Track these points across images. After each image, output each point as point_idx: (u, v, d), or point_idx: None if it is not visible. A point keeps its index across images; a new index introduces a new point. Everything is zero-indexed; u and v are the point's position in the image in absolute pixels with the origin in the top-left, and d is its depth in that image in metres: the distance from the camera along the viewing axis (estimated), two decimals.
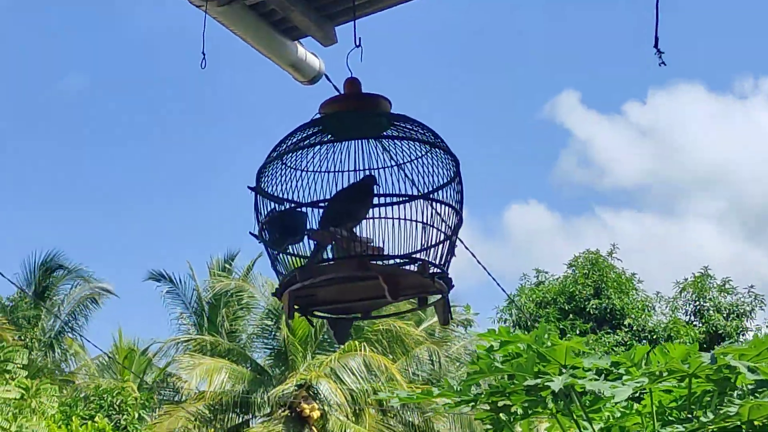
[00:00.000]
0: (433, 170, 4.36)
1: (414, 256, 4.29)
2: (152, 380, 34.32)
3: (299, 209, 4.29)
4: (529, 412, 5.95)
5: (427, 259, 4.26)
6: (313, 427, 29.67)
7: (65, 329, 34.33)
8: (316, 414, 29.30)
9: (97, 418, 22.72)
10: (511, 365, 5.52)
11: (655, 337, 29.64)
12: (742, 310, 31.87)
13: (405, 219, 4.29)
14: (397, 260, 4.30)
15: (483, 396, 5.81)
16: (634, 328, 30.38)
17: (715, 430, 5.48)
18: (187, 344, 31.62)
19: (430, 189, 4.34)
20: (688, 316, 32.10)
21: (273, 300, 31.08)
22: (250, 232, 4.19)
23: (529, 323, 30.94)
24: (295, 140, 4.29)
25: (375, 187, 4.28)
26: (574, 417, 5.82)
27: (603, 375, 5.73)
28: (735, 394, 5.78)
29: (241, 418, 30.82)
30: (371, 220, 4.27)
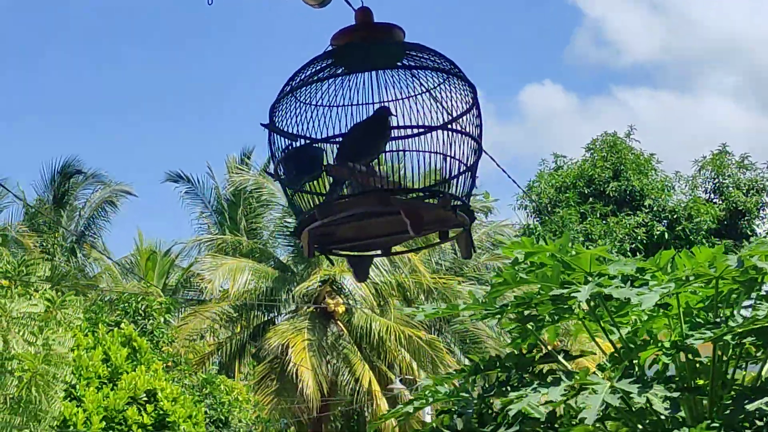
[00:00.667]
0: (450, 99, 4.22)
1: (435, 188, 4.19)
2: (175, 282, 34.50)
3: (315, 145, 4.16)
4: (556, 318, 5.92)
5: (448, 191, 4.16)
6: (339, 322, 29.89)
7: (86, 234, 34.40)
8: (341, 309, 29.48)
9: (122, 325, 22.75)
10: (536, 275, 5.48)
11: (675, 216, 29.58)
12: (761, 186, 31.70)
13: (423, 151, 4.20)
14: (418, 194, 4.19)
15: (509, 308, 5.75)
16: (654, 208, 30.27)
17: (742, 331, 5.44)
18: (209, 245, 31.69)
19: (448, 119, 4.23)
20: (707, 194, 31.99)
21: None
22: (266, 171, 4.14)
23: (549, 208, 30.87)
24: (307, 74, 4.15)
25: (391, 119, 4.16)
26: (601, 324, 5.80)
27: (629, 281, 5.67)
28: (761, 294, 5.74)
29: (266, 316, 31.08)
30: (389, 154, 4.21)
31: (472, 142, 4.21)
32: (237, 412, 24.41)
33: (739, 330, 5.46)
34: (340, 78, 4.17)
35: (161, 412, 19.97)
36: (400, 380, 28.52)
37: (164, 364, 22.44)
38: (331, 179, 4.17)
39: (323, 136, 4.20)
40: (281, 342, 28.85)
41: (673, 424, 5.45)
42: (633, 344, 5.79)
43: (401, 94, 4.23)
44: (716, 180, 31.87)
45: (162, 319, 25.34)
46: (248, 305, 30.21)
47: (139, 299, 26.60)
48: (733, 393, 5.62)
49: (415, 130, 4.28)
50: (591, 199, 30.46)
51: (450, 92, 4.23)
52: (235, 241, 31.38)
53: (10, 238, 30.38)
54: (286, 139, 4.19)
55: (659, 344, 5.85)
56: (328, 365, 29.46)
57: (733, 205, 31.26)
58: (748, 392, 5.42)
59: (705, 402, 5.76)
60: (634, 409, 5.52)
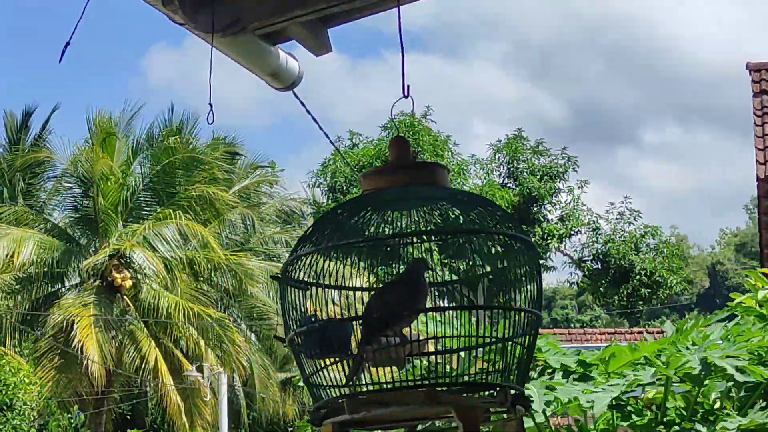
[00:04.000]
0: (507, 272, 3.54)
1: (492, 384, 3.46)
2: None
3: (345, 321, 3.44)
4: None
5: (505, 382, 3.42)
6: (126, 297, 29.15)
7: None
8: (128, 283, 28.71)
9: None
10: None
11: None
12: (555, 172, 32.17)
13: (474, 336, 3.55)
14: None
15: None
16: None
17: None
18: None
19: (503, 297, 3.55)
20: (502, 179, 32.26)
21: (80, 164, 30.02)
22: (275, 336, 3.35)
23: (344, 187, 30.64)
24: (338, 222, 3.49)
25: (426, 281, 3.45)
26: None
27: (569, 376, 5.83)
28: None
29: (50, 289, 30.00)
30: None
31: (531, 315, 3.49)
32: (22, 394, 23.62)
33: None
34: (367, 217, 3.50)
35: None
36: (197, 368, 28.12)
37: None
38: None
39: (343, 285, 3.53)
40: (66, 316, 27.99)
41: None
42: None
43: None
44: (511, 165, 32.18)
45: None
46: (32, 277, 29.15)
47: None
48: None
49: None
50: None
51: (507, 263, 3.54)
52: (20, 210, 30.12)
53: None
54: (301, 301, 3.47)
55: None
56: (113, 341, 28.70)
57: (527, 190, 31.61)
58: None
59: None
60: None
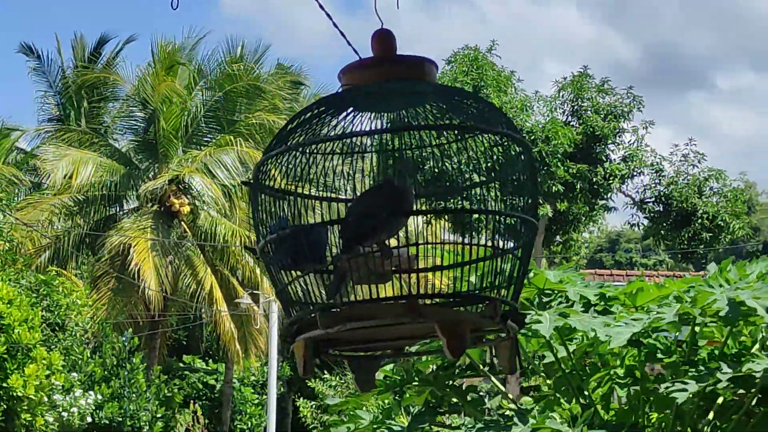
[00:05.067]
0: (500, 169, 3.26)
1: (482, 293, 3.21)
2: (14, 164, 33.31)
3: (317, 226, 3.17)
4: None
5: (498, 294, 3.17)
6: (183, 222, 29.27)
7: None
8: (186, 209, 28.85)
9: None
10: None
11: (533, 138, 29.36)
12: (619, 111, 31.62)
13: (461, 243, 3.24)
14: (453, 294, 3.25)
15: None
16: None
17: None
18: (53, 135, 30.59)
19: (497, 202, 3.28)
20: (566, 116, 31.80)
21: (142, 89, 30.19)
22: (245, 246, 3.10)
23: None
24: (308, 122, 3.22)
25: (411, 191, 3.19)
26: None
27: (591, 308, 5.75)
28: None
29: (108, 212, 30.24)
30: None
31: (527, 224, 3.23)
32: (74, 315, 24.05)
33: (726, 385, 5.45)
34: (350, 117, 3.21)
35: None
36: (251, 296, 28.24)
37: None
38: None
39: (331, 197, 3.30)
40: (123, 240, 28.19)
41: None
42: (581, 368, 5.70)
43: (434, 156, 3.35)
44: (575, 103, 31.70)
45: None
46: (90, 199, 29.32)
47: None
48: None
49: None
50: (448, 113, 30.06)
51: (500, 160, 3.26)
52: (80, 131, 30.32)
53: None
54: (278, 208, 3.21)
55: (610, 370, 5.79)
56: (170, 267, 28.86)
57: (591, 129, 31.13)
58: None
59: None
60: None
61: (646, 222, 33.80)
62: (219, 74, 31.18)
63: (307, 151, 3.26)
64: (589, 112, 31.49)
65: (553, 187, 28.93)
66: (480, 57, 30.54)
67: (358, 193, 3.29)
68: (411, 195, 3.16)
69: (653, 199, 32.89)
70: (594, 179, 30.93)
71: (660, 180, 32.57)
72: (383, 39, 3.29)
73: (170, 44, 30.97)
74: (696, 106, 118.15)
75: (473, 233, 3.23)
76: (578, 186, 30.39)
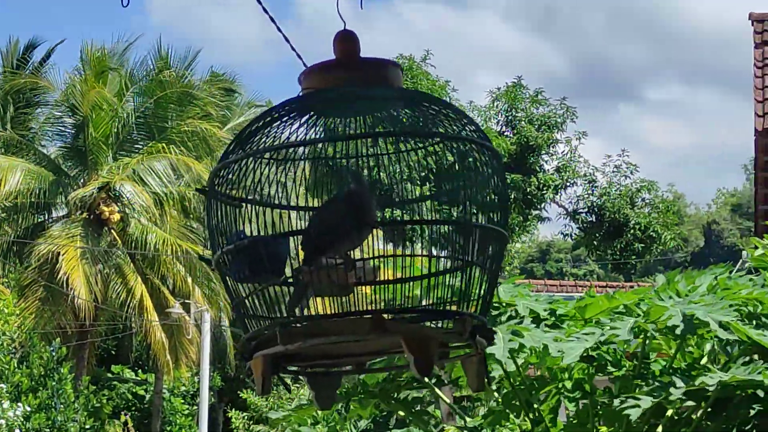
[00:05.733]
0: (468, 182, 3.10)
1: (450, 310, 3.09)
2: None
3: (277, 236, 3.05)
4: None
5: (465, 310, 3.05)
6: (113, 231, 29.18)
7: None
8: (116, 217, 28.83)
9: None
10: None
11: (466, 147, 29.70)
12: (553, 122, 32.27)
13: (432, 256, 3.14)
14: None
15: None
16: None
17: None
18: None
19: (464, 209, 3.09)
20: (500, 127, 32.32)
21: (71, 95, 30.12)
22: (200, 256, 2.97)
23: None
24: (265, 127, 3.07)
25: (374, 201, 3.05)
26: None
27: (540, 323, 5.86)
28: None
29: (36, 220, 30.12)
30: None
31: (496, 234, 3.11)
32: (1, 324, 24.10)
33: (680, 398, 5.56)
34: (310, 122, 3.09)
35: None
36: (182, 305, 28.28)
37: None
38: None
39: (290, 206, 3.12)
40: (51, 248, 27.99)
41: None
42: (529, 381, 5.88)
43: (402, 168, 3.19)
44: (509, 113, 32.24)
45: None
46: (18, 207, 29.16)
47: None
48: None
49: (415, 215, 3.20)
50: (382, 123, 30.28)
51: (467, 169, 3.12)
52: (6, 136, 30.11)
53: None
54: (233, 220, 3.06)
55: (558, 384, 5.91)
56: (99, 275, 28.77)
57: (525, 139, 31.70)
58: None
59: None
60: None
61: (578, 232, 34.47)
62: (150, 81, 31.13)
63: (266, 157, 3.09)
64: (523, 122, 31.94)
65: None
66: (414, 66, 30.81)
67: (316, 203, 3.19)
68: (374, 205, 3.04)
69: (586, 209, 33.47)
70: (528, 189, 31.32)
71: (593, 191, 33.16)
72: (345, 40, 3.13)
73: (100, 50, 30.88)
74: (627, 118, 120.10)
75: (438, 246, 3.15)
76: (512, 196, 30.72)
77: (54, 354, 27.64)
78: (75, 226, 28.56)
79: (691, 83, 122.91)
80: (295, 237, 3.07)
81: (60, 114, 31.05)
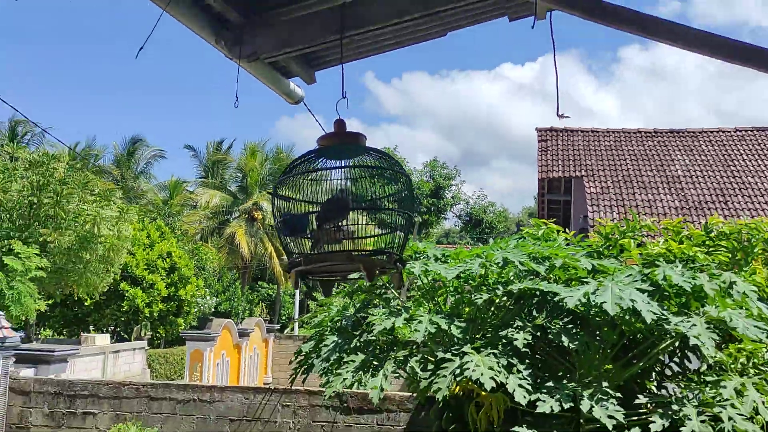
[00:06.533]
0: (393, 187, 4.93)
1: (385, 251, 4.91)
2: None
3: (304, 214, 4.88)
4: None
5: (395, 250, 4.90)
6: (257, 222, 45.52)
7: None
8: (259, 216, 44.95)
9: (157, 220, 34.24)
10: None
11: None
12: (450, 175, 56.66)
13: (379, 228, 5.02)
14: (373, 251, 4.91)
15: None
16: None
17: None
18: None
19: (393, 200, 4.99)
20: (425, 177, 55.12)
21: (240, 163, 49.33)
22: (277, 227, 4.99)
23: None
24: (300, 163, 4.88)
25: (350, 200, 4.82)
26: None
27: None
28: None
29: (224, 217, 48.78)
30: (355, 217, 4.87)
31: (406, 215, 4.96)
32: (210, 264, 40.63)
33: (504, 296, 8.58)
34: (322, 164, 4.85)
35: (173, 262, 29.54)
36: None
37: (177, 240, 33.72)
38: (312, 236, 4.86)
39: (311, 200, 4.93)
40: (232, 230, 46.72)
41: (461, 342, 8.15)
42: (431, 286, 9.03)
43: (364, 186, 4.95)
44: (431, 171, 58.30)
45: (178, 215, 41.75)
46: (217, 212, 49.30)
47: (166, 209, 44.52)
48: (496, 322, 8.47)
49: (372, 206, 4.99)
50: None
51: (395, 182, 4.95)
52: (214, 183, 49.71)
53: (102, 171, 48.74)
54: (284, 206, 4.92)
55: (447, 288, 9.09)
56: (252, 241, 46.65)
57: (436, 183, 54.85)
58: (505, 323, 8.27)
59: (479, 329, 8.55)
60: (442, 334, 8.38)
61: (461, 224, 60.27)
62: (275, 155, 53.31)
63: (301, 177, 4.91)
64: (436, 176, 57.63)
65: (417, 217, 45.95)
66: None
67: (326, 200, 5.00)
68: (350, 201, 4.90)
69: (465, 214, 60.63)
70: (438, 205, 57.05)
71: (468, 207, 60.20)
72: (340, 123, 4.97)
73: (254, 144, 50.95)
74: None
75: (383, 223, 5.09)
76: (429, 208, 55.72)
77: (232, 277, 45.50)
78: (241, 221, 48.14)
79: None
80: (312, 216, 4.96)
81: (235, 171, 53.11)
